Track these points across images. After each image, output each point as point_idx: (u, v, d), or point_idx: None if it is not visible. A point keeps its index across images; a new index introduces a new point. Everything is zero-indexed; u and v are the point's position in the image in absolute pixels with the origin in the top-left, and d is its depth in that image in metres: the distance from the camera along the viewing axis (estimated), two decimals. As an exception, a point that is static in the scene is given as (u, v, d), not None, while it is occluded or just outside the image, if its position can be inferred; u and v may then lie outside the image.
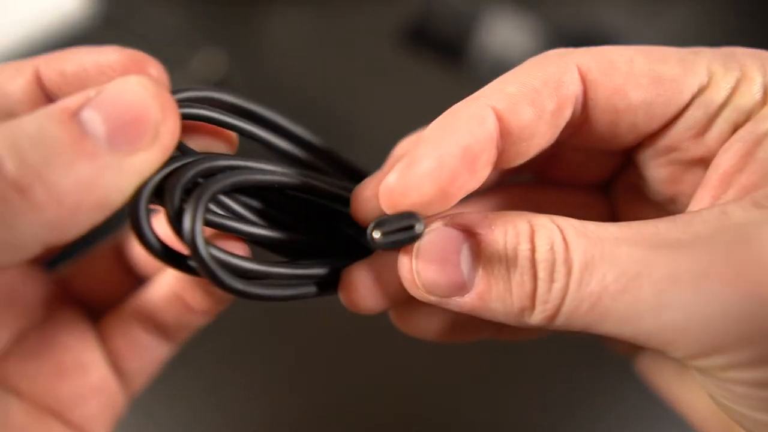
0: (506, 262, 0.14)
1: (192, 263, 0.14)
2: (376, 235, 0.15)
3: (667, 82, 0.15)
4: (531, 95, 0.15)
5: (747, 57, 0.15)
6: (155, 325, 0.20)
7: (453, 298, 0.15)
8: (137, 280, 0.22)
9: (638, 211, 0.20)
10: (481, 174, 0.15)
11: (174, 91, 0.15)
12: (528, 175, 0.22)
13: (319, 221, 0.18)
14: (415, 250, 0.15)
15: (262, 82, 0.63)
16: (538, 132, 0.16)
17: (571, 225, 0.14)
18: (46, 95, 0.16)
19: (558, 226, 0.14)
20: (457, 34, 0.57)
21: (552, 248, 0.14)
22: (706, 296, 0.13)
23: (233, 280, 0.14)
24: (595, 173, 0.21)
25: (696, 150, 0.16)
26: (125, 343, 0.20)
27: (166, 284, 0.20)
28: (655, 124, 0.16)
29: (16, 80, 0.16)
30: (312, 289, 0.16)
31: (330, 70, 0.63)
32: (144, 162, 0.13)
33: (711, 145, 0.16)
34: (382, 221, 0.15)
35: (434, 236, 0.15)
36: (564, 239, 0.14)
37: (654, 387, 0.23)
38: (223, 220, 0.15)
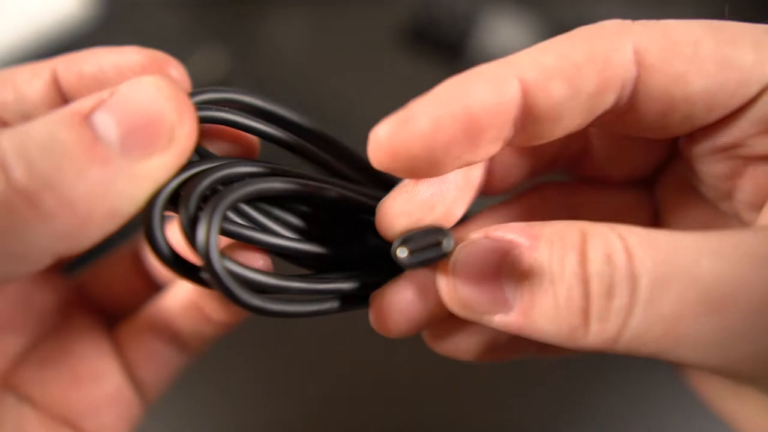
0: (551, 275, 0.13)
1: (205, 276, 0.13)
2: (402, 254, 0.14)
3: (735, 71, 0.13)
4: (569, 71, 0.13)
5: None
6: (171, 334, 0.20)
7: (497, 315, 0.13)
8: (155, 286, 0.22)
9: (688, 210, 0.18)
10: (487, 149, 0.14)
11: (193, 93, 0.14)
12: (561, 173, 0.20)
13: (345, 231, 0.17)
14: (451, 265, 0.14)
15: (262, 82, 0.63)
16: (568, 114, 0.14)
17: (635, 233, 0.12)
18: (63, 97, 0.15)
19: (619, 235, 0.12)
20: (457, 34, 0.57)
21: (610, 260, 0.12)
22: None
23: (248, 296, 0.13)
24: (636, 168, 0.18)
25: (763, 147, 0.14)
26: (141, 353, 0.20)
27: (183, 293, 0.19)
28: (714, 117, 0.14)
29: (33, 82, 0.15)
30: (335, 304, 0.15)
31: (330, 70, 0.63)
32: (159, 167, 0.12)
33: None
34: (407, 238, 0.14)
35: (471, 250, 0.14)
36: (627, 249, 0.12)
37: (706, 401, 0.21)
38: (242, 230, 0.14)
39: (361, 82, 0.60)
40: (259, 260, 0.15)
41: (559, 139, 0.15)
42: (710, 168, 0.16)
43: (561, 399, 0.41)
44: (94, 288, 0.22)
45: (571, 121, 0.14)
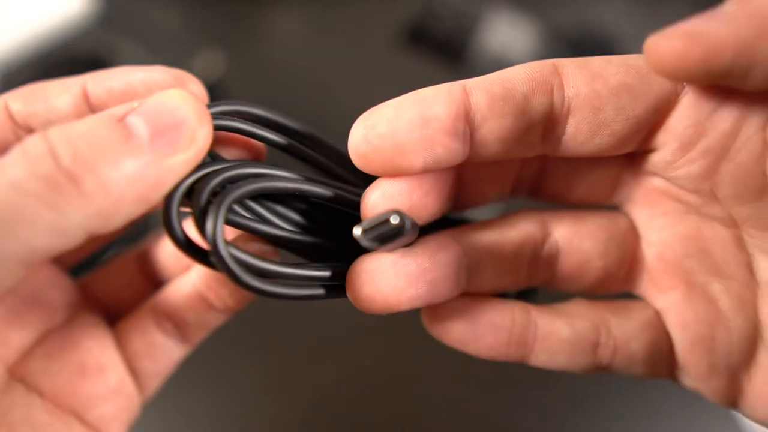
0: None
1: (212, 258, 0.15)
2: (357, 232, 0.15)
3: (642, 70, 0.16)
4: (503, 81, 0.16)
5: None
6: (174, 324, 0.21)
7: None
8: (157, 287, 0.23)
9: (662, 216, 0.19)
10: (444, 140, 0.15)
11: (209, 105, 0.17)
12: (527, 197, 0.21)
13: (339, 226, 0.18)
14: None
15: (261, 82, 0.63)
16: (508, 117, 0.16)
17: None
18: (91, 111, 0.17)
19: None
20: (457, 34, 0.57)
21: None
22: None
23: (248, 277, 0.15)
24: (595, 189, 0.20)
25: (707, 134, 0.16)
26: (142, 345, 0.21)
27: (186, 284, 0.20)
28: (641, 109, 0.16)
29: (62, 96, 0.17)
30: (320, 291, 0.17)
31: (329, 70, 0.63)
32: (181, 162, 0.14)
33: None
34: (366, 221, 0.15)
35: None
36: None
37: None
38: (246, 222, 0.16)
39: (360, 82, 0.60)
40: (260, 248, 0.17)
41: (517, 162, 0.18)
42: (684, 171, 0.17)
43: (565, 404, 0.41)
44: (98, 288, 0.23)
45: (512, 123, 0.16)
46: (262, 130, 0.18)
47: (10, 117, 0.17)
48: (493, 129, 0.16)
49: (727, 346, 0.17)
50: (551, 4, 0.64)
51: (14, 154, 0.13)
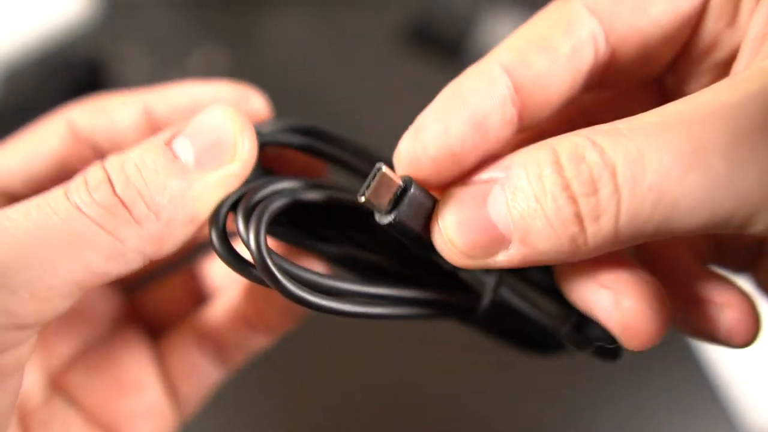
0: (534, 194, 0.13)
1: (257, 271, 0.15)
2: (378, 218, 0.15)
3: None
4: (539, 43, 0.15)
5: None
6: (214, 347, 0.20)
7: (500, 254, 0.14)
8: (202, 305, 0.22)
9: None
10: (499, 134, 0.15)
11: (264, 122, 0.17)
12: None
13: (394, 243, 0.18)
14: (440, 220, 0.15)
15: (262, 80, 0.63)
16: (556, 78, 0.15)
17: (598, 130, 0.13)
18: (153, 125, 0.18)
19: (585, 136, 0.13)
20: (457, 34, 0.57)
21: (583, 159, 0.13)
22: None
23: (297, 289, 0.14)
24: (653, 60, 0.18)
25: (734, 38, 0.15)
26: (182, 365, 0.21)
27: (230, 304, 0.20)
28: (684, 28, 0.15)
29: (125, 112, 0.18)
30: (384, 309, 0.16)
31: (330, 69, 0.63)
32: (226, 177, 0.15)
33: (745, 26, 0.15)
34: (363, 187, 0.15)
35: (452, 199, 0.15)
36: (595, 144, 0.13)
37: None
38: (295, 235, 0.16)
39: (360, 82, 0.60)
40: (311, 263, 0.17)
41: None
42: (704, 83, 0.16)
43: (567, 407, 0.41)
44: (145, 302, 0.22)
45: (561, 83, 0.15)
46: (316, 143, 0.17)
47: (74, 131, 0.18)
48: (543, 97, 0.15)
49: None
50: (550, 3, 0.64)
51: (78, 181, 0.14)
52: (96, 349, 0.20)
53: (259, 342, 0.20)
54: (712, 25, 0.15)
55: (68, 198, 0.14)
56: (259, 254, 0.14)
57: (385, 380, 0.41)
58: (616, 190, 0.12)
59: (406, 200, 0.15)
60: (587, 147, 0.13)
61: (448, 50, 0.57)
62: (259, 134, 0.16)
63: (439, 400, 0.41)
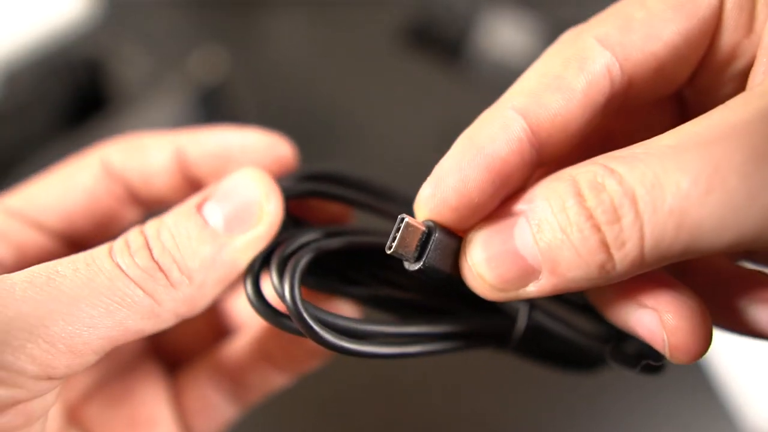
0: (560, 225, 0.14)
1: (292, 323, 0.15)
2: (408, 266, 0.15)
3: (687, 2, 0.15)
4: (553, 82, 0.15)
5: None
6: (233, 383, 0.20)
7: (530, 285, 0.15)
8: (222, 340, 0.22)
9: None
10: (519, 176, 0.15)
11: (289, 176, 0.18)
12: None
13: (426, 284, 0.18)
14: (468, 258, 0.15)
15: (262, 80, 0.63)
16: (574, 115, 0.15)
17: (616, 157, 0.13)
18: (183, 167, 0.18)
19: (602, 164, 0.13)
20: (457, 34, 0.57)
21: (603, 188, 0.13)
22: None
23: (334, 338, 0.15)
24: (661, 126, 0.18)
25: (753, 46, 0.15)
26: (196, 402, 0.21)
27: (253, 342, 0.20)
28: (700, 45, 0.16)
29: (159, 153, 0.18)
30: (420, 348, 0.17)
31: (330, 69, 0.63)
32: (254, 240, 0.15)
33: (761, 35, 0.15)
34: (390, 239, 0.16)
35: (478, 235, 0.15)
36: (613, 172, 0.13)
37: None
38: (327, 284, 0.17)
39: (361, 82, 0.60)
40: (345, 308, 0.18)
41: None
42: (729, 93, 0.16)
43: (570, 411, 0.41)
44: (165, 336, 0.22)
45: (580, 118, 0.15)
46: (337, 190, 0.18)
47: (107, 169, 0.18)
48: (562, 134, 0.15)
49: None
50: (551, 3, 0.64)
51: (121, 242, 0.15)
52: (113, 383, 0.20)
53: (278, 381, 0.21)
54: (728, 37, 0.15)
55: (113, 258, 0.15)
56: (295, 309, 0.15)
57: (387, 384, 0.41)
58: (638, 216, 0.13)
59: (431, 245, 0.15)
60: (606, 176, 0.13)
61: (448, 50, 0.57)
62: (284, 189, 0.17)
63: (448, 408, 0.41)
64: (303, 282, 0.15)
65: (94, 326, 0.14)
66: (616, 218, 0.13)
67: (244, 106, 0.78)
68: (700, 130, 0.13)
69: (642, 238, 0.13)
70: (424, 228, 0.15)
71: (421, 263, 0.15)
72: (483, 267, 0.15)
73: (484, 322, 0.18)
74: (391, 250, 0.15)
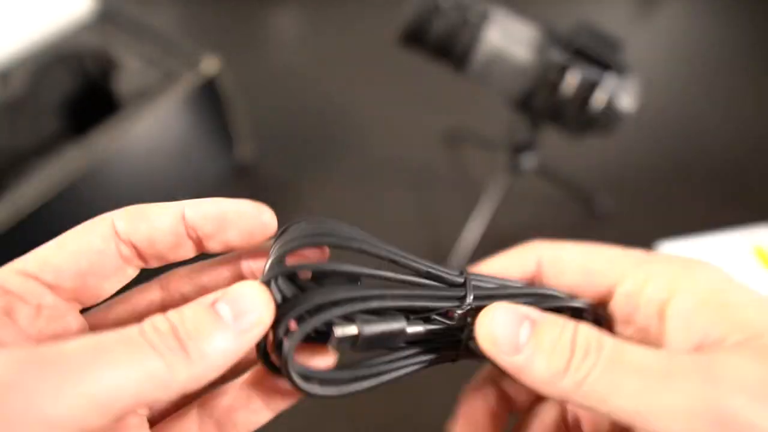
0: (553, 340, 0.19)
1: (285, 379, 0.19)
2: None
3: (593, 273, 0.22)
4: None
5: (656, 262, 0.21)
6: (217, 425, 0.22)
7: (512, 356, 0.20)
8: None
9: None
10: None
11: (277, 237, 0.21)
12: None
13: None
14: (489, 319, 0.20)
15: (262, 80, 0.63)
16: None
17: (604, 334, 0.19)
18: (186, 231, 0.21)
19: (595, 330, 0.19)
20: (457, 35, 0.57)
21: (589, 336, 0.19)
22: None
23: (308, 386, 0.19)
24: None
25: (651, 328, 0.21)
26: None
27: (236, 386, 0.22)
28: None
29: (163, 218, 0.21)
30: (403, 371, 0.21)
31: (329, 70, 0.63)
32: (254, 336, 0.19)
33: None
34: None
35: (504, 311, 0.20)
36: (599, 336, 0.19)
37: None
38: (321, 341, 0.19)
39: (360, 83, 0.60)
40: (325, 360, 0.20)
41: None
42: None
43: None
44: None
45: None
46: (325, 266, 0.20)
47: (116, 233, 0.21)
48: None
49: None
50: (550, 5, 0.64)
51: (148, 325, 0.17)
52: None
53: (262, 418, 0.22)
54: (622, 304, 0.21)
55: (143, 336, 0.17)
56: (290, 379, 0.19)
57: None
58: (596, 362, 0.19)
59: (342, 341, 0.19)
60: (594, 333, 0.19)
61: (447, 50, 0.57)
62: (272, 270, 0.20)
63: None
64: (305, 339, 0.19)
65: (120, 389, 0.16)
66: (585, 355, 0.19)
67: (243, 107, 0.78)
68: (648, 360, 0.18)
69: (588, 375, 0.18)
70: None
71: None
72: (495, 330, 0.20)
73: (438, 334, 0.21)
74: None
